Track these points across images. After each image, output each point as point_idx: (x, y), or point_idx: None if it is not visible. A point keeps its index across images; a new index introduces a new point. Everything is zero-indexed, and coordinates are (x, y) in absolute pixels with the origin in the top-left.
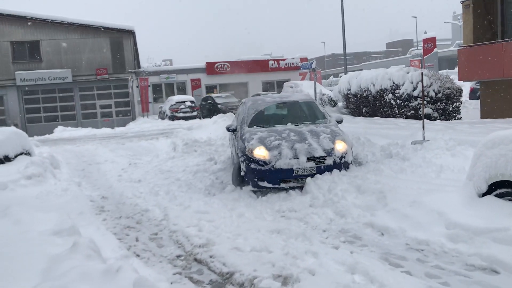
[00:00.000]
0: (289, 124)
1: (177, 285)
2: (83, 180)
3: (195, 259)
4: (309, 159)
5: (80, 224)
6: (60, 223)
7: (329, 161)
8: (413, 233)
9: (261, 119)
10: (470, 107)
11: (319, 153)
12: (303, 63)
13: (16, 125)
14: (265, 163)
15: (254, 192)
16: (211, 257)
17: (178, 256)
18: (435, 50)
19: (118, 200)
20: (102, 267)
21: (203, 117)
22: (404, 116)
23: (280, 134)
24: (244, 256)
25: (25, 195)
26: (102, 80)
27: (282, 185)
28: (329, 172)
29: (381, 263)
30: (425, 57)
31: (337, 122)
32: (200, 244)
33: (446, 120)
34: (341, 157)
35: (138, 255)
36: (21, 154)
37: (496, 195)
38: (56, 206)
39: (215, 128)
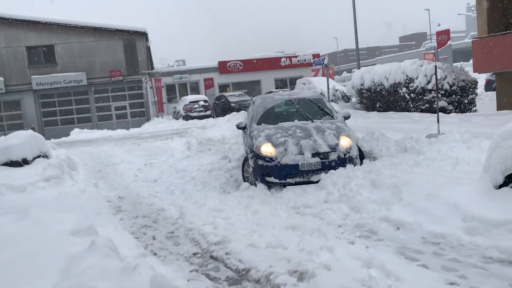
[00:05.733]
0: (296, 121)
1: (194, 282)
2: (100, 181)
3: (211, 257)
4: (314, 155)
5: (97, 224)
6: (78, 223)
7: (333, 156)
8: (429, 227)
9: (269, 117)
10: (486, 99)
11: (324, 148)
12: (315, 59)
13: (33, 129)
14: (271, 159)
15: (269, 188)
16: (227, 254)
17: (195, 254)
18: (449, 42)
19: (135, 200)
20: (120, 265)
21: (217, 116)
22: (419, 110)
23: (286, 131)
24: (260, 253)
25: (43, 196)
26: (116, 82)
27: (288, 180)
28: (334, 168)
29: (397, 257)
30: (439, 49)
31: (344, 118)
32: (216, 242)
33: (462, 112)
34: (346, 152)
35: (155, 254)
36: (38, 157)
37: None
38: (74, 207)
39: (228, 127)
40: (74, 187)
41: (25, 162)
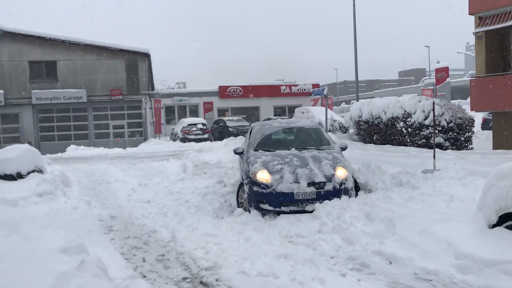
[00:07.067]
0: (293, 149)
1: None
2: (93, 199)
3: (201, 282)
4: (309, 184)
5: (88, 242)
6: (69, 241)
7: (329, 186)
8: (421, 263)
9: (266, 143)
10: (482, 137)
11: (320, 178)
12: (315, 89)
13: (29, 143)
14: (267, 186)
15: (262, 216)
16: (217, 280)
17: (184, 279)
18: (447, 79)
19: (127, 220)
20: (109, 286)
21: (214, 140)
22: (415, 145)
23: (283, 158)
24: (250, 281)
25: (35, 212)
26: (116, 101)
27: (283, 208)
28: (329, 198)
29: None
30: (437, 86)
31: (341, 148)
32: (206, 267)
33: (458, 150)
34: (341, 183)
35: (144, 276)
36: (33, 171)
37: (507, 227)
38: (65, 224)
39: (225, 151)
40: (67, 204)
41: (19, 176)
